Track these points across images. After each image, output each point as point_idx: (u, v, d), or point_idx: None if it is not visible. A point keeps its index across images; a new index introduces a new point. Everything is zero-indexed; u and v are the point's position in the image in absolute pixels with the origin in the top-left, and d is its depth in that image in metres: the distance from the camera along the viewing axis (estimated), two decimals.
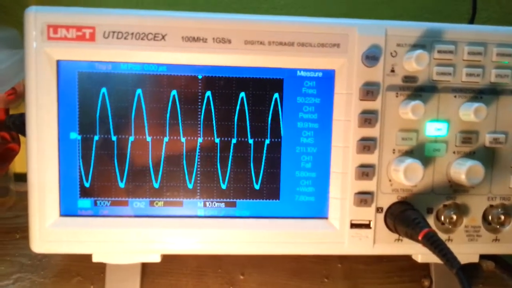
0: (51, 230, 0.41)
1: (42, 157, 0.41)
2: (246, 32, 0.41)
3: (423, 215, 0.41)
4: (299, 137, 0.43)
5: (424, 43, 0.41)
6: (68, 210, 0.43)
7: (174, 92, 0.42)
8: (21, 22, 0.40)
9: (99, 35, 0.40)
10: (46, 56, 0.40)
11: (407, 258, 0.46)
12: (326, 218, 0.44)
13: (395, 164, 0.41)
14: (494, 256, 0.50)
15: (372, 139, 0.42)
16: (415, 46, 0.41)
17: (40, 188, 0.41)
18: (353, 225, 0.43)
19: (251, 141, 0.43)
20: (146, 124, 0.42)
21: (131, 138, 0.42)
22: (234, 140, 0.43)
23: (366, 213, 0.42)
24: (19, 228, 0.56)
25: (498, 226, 0.43)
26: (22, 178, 0.66)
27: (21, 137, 0.59)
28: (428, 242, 0.37)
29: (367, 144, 0.41)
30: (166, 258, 0.45)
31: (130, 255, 0.43)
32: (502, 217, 0.43)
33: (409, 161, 0.40)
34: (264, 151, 0.43)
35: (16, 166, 0.67)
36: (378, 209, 0.42)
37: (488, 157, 0.43)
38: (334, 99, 0.42)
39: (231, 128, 0.43)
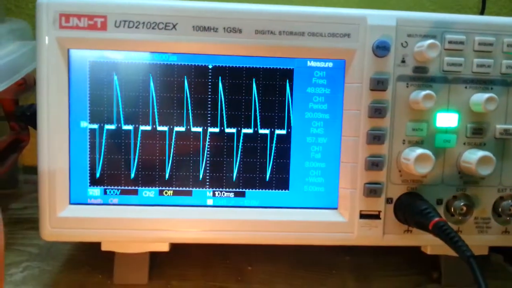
0: (61, 218, 0.42)
1: (53, 145, 0.41)
2: (256, 21, 0.41)
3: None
4: (309, 128, 0.43)
5: (435, 34, 0.41)
6: (78, 199, 0.43)
7: (184, 81, 0.42)
8: (31, 15, 0.40)
9: (111, 24, 0.40)
10: (58, 45, 0.40)
11: (416, 250, 0.46)
12: (335, 208, 0.44)
13: (406, 154, 0.41)
14: (504, 249, 0.50)
15: (382, 130, 0.41)
16: (426, 37, 0.41)
17: (50, 176, 0.41)
18: (363, 216, 0.42)
19: (261, 131, 0.43)
20: (156, 113, 0.43)
21: (142, 127, 0.43)
22: (244, 130, 0.43)
23: (376, 204, 0.42)
24: (27, 219, 0.57)
25: (508, 218, 0.43)
26: (30, 171, 0.67)
27: (30, 129, 0.60)
28: (439, 231, 0.37)
29: (377, 134, 0.41)
30: (174, 249, 0.45)
31: (139, 244, 0.44)
32: None
33: (420, 151, 0.40)
34: (274, 141, 0.43)
35: (25, 159, 0.68)
36: (388, 200, 0.42)
37: (498, 148, 0.43)
38: (345, 90, 0.42)
39: (241, 118, 0.43)
